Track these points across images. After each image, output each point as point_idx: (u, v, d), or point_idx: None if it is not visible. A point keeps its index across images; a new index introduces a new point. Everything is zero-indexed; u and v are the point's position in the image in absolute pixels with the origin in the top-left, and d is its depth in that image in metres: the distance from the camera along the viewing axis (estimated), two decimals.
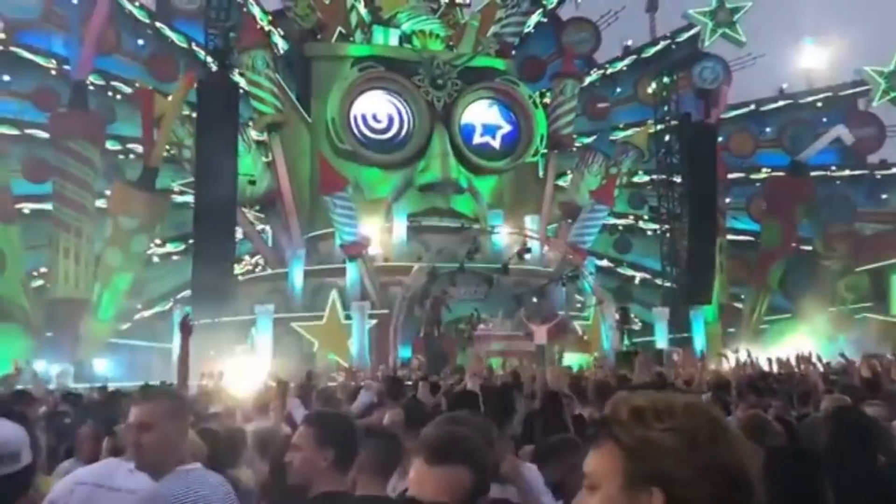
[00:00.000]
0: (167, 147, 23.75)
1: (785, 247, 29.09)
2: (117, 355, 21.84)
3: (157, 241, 26.04)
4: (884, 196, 31.81)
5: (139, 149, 24.76)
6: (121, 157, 26.33)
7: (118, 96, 26.76)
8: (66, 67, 24.77)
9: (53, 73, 25.66)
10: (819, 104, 32.57)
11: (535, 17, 31.15)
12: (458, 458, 1.84)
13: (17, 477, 2.08)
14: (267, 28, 27.87)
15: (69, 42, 24.33)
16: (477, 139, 26.12)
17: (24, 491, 2.13)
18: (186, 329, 5.40)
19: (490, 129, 26.44)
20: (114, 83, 26.66)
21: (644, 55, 31.76)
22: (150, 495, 2.64)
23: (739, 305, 29.62)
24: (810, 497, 2.56)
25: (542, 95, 28.45)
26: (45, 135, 24.34)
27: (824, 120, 31.99)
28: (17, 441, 2.10)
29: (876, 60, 32.64)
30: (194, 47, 27.16)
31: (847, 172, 31.89)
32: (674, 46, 31.65)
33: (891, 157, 32.45)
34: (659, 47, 31.80)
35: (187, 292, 23.59)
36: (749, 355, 12.27)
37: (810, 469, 2.66)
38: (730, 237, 29.92)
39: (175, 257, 26.99)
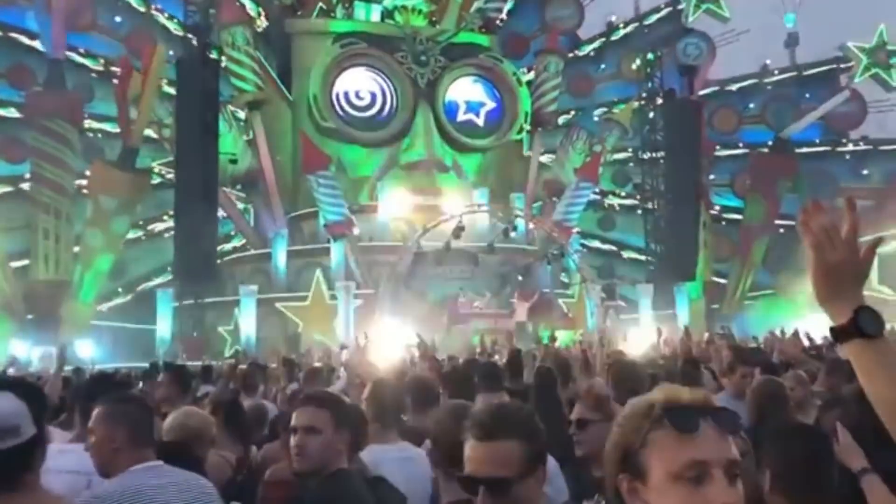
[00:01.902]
0: (147, 125, 23.42)
1: (768, 223, 29.21)
2: (99, 337, 21.63)
3: (141, 222, 25.74)
4: (865, 172, 31.96)
5: (118, 128, 24.37)
6: (99, 136, 25.85)
7: (95, 74, 26.24)
8: (40, 47, 24.32)
9: (29, 50, 25.11)
10: (802, 80, 32.59)
11: None
12: (508, 431, 1.89)
13: (19, 451, 2.02)
14: (251, 11, 27.39)
15: (43, 19, 23.84)
16: (461, 116, 25.96)
17: (28, 465, 2.07)
18: None
19: (474, 106, 26.27)
20: (91, 61, 26.12)
21: (628, 31, 31.60)
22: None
23: (724, 281, 29.76)
24: (820, 474, 2.53)
25: (526, 72, 28.27)
26: (20, 114, 23.91)
27: (807, 96, 32.03)
28: (15, 414, 2.02)
29: (859, 36, 32.69)
30: (173, 24, 26.68)
31: (829, 148, 31.99)
32: (657, 23, 31.48)
33: (872, 132, 32.60)
34: (643, 23, 31.62)
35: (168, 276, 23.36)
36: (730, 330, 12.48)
37: (820, 446, 2.63)
38: (714, 213, 30.01)
39: (155, 237, 26.63)
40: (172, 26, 26.74)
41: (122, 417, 2.83)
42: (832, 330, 1.48)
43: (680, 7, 31.42)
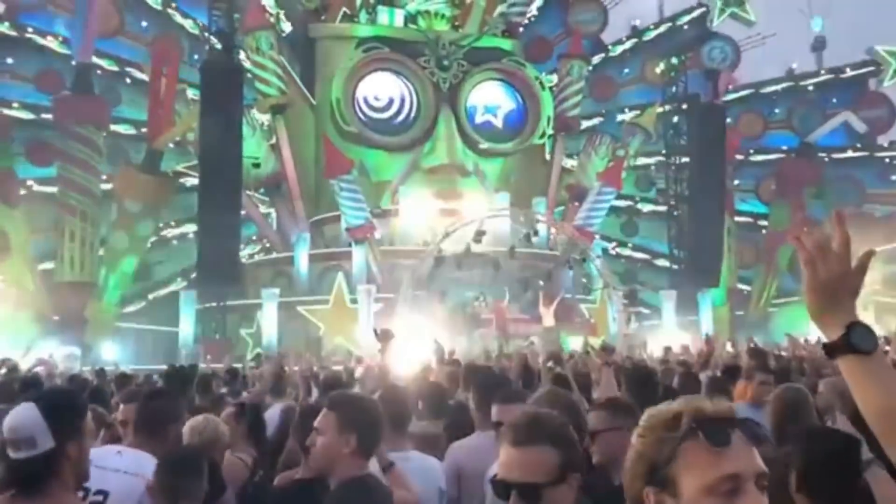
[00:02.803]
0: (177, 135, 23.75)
1: (794, 229, 28.89)
2: (123, 339, 21.87)
3: (163, 224, 25.97)
4: (894, 178, 31.50)
5: (144, 132, 24.66)
6: (125, 140, 26.13)
7: (122, 79, 26.55)
8: (68, 52, 24.67)
9: (57, 55, 25.48)
10: (829, 84, 32.22)
11: None
12: (542, 438, 1.91)
13: (34, 461, 2.06)
14: (271, 9, 27.60)
15: (72, 24, 24.17)
16: (479, 118, 25.88)
17: (49, 473, 2.09)
18: None
19: (492, 108, 26.20)
20: (116, 65, 26.42)
21: (652, 35, 31.43)
22: None
23: (748, 288, 29.47)
24: (842, 476, 2.56)
25: (549, 76, 28.22)
26: (49, 117, 24.25)
27: (834, 101, 31.67)
28: (31, 425, 2.07)
29: (887, 40, 32.26)
30: (198, 29, 26.93)
31: (857, 154, 31.58)
32: (682, 26, 31.31)
33: None
34: (667, 27, 31.45)
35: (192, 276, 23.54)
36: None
37: (844, 449, 2.64)
38: (738, 219, 29.74)
39: (179, 240, 26.85)
40: (197, 31, 26.99)
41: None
42: (825, 346, 1.49)
43: (705, 11, 31.21)
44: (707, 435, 1.28)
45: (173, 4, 27.64)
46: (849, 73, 32.24)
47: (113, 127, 25.23)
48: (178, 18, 27.66)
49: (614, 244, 28.63)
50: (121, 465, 3.08)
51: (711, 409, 1.32)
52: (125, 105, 25.80)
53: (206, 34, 24.44)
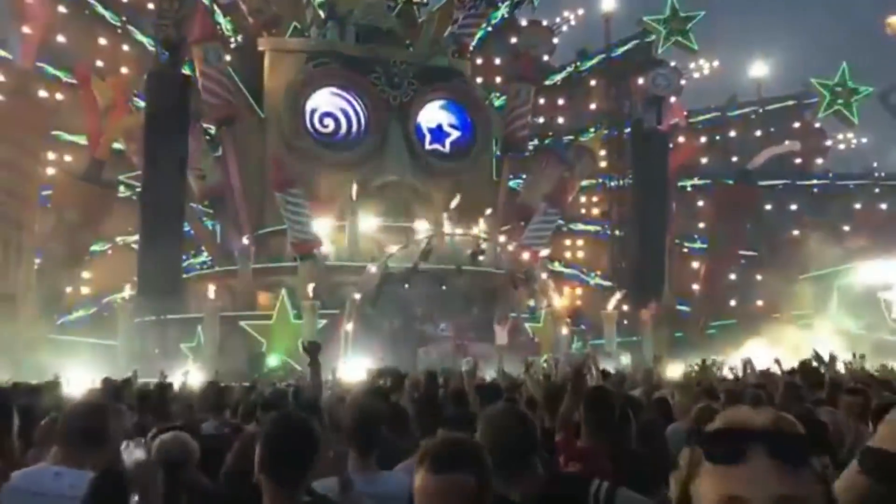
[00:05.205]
0: (115, 139, 23.23)
1: (732, 254, 29.64)
2: (59, 352, 21.18)
3: (103, 234, 25.37)
4: (826, 206, 32.59)
5: (84, 140, 24.11)
6: (66, 148, 25.49)
7: (64, 85, 25.89)
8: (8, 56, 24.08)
9: None
10: (767, 114, 33.24)
11: (492, 20, 31.24)
12: (462, 465, 1.89)
13: None
14: (219, 21, 27.34)
15: (13, 29, 23.59)
16: (427, 145, 25.99)
17: None
18: None
19: (440, 136, 26.33)
20: (60, 72, 25.80)
21: (598, 61, 32.06)
22: None
23: (687, 310, 30.07)
24: None
25: (498, 98, 28.55)
26: None
27: (772, 130, 32.68)
28: None
29: (825, 72, 33.48)
30: (145, 38, 26.50)
31: (792, 182, 32.60)
32: (628, 53, 32.00)
33: (834, 167, 33.31)
34: (613, 54, 32.11)
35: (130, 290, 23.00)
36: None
37: None
38: (678, 243, 30.38)
39: (120, 251, 26.23)
40: (144, 40, 26.56)
41: None
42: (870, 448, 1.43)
43: (650, 39, 31.98)
44: (707, 449, 1.16)
45: (119, 12, 27.16)
46: (786, 103, 33.33)
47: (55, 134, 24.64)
48: (125, 27, 27.16)
49: (546, 258, 28.84)
50: (63, 489, 2.88)
51: (735, 419, 1.17)
52: (67, 112, 25.15)
53: (153, 44, 24.07)
